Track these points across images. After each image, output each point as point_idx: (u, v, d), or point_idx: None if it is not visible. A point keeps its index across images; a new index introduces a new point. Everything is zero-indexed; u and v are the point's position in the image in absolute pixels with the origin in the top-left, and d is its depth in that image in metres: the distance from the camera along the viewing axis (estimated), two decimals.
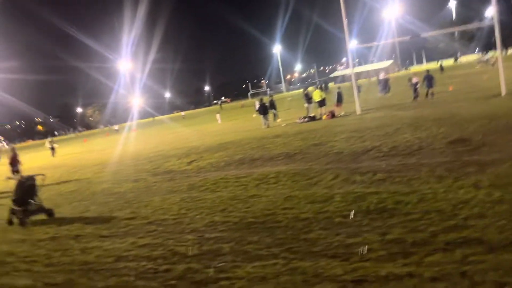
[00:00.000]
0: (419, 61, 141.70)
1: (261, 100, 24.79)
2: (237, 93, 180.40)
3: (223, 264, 5.26)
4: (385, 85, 30.00)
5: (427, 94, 22.84)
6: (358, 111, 21.17)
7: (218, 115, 38.01)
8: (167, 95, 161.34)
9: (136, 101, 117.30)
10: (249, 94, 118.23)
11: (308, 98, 23.05)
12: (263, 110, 23.38)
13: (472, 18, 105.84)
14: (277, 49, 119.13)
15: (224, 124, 33.42)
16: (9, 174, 16.18)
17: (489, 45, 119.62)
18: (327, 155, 11.88)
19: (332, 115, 21.15)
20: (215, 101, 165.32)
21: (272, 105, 25.61)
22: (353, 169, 9.59)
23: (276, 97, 34.73)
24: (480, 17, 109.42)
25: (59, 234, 8.28)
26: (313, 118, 21.68)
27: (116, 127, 64.78)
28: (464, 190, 6.54)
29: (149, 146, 24.89)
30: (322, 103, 21.64)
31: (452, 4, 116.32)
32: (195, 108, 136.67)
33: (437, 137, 11.42)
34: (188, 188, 10.80)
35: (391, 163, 9.53)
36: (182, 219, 7.86)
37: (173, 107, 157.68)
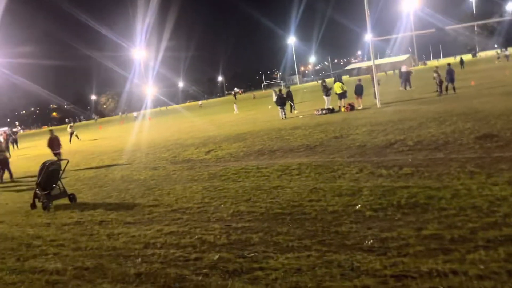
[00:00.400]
0: (436, 56, 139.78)
1: (279, 91, 24.59)
2: (250, 84, 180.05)
3: (254, 254, 5.19)
4: (407, 78, 29.46)
5: (447, 89, 22.37)
6: (378, 104, 20.88)
7: (235, 105, 37.94)
8: (181, 84, 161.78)
9: (150, 90, 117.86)
10: (262, 85, 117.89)
11: (327, 90, 22.79)
12: (281, 101, 23.20)
13: (492, 12, 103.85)
14: (291, 40, 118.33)
15: (241, 115, 33.33)
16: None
17: (509, 41, 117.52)
18: (350, 148, 11.72)
19: (351, 107, 20.88)
20: (227, 92, 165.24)
21: (289, 97, 25.43)
22: (377, 163, 9.43)
23: (293, 87, 34.51)
24: (501, 12, 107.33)
25: (84, 219, 8.31)
26: (331, 111, 21.45)
27: (135, 113, 65.12)
28: (499, 187, 6.36)
29: (166, 135, 24.93)
30: (342, 95, 21.36)
31: None
32: (208, 98, 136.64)
33: (464, 132, 11.17)
34: (209, 177, 10.76)
35: (418, 158, 9.35)
36: (206, 208, 7.82)
37: (186, 97, 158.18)
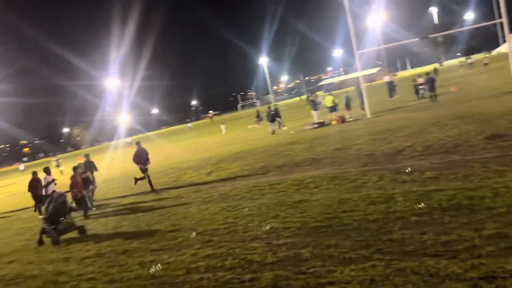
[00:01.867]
0: (404, 68, 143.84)
1: (269, 108, 24.69)
2: (225, 106, 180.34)
3: (314, 269, 4.96)
4: (391, 87, 30.07)
5: (431, 97, 22.74)
6: (368, 115, 21.10)
7: (223, 126, 38.14)
8: (155, 111, 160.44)
9: (124, 118, 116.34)
10: (238, 106, 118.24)
11: (314, 105, 22.94)
12: (272, 118, 23.29)
13: (453, 23, 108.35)
14: (263, 60, 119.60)
15: (227, 136, 33.13)
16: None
17: (471, 49, 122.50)
18: (358, 158, 11.67)
19: (343, 120, 21.03)
20: (203, 115, 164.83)
21: (277, 114, 25.50)
22: (394, 170, 9.38)
23: (266, 107, 34.88)
24: (461, 22, 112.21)
25: (103, 251, 7.88)
26: (322, 124, 21.54)
27: (129, 139, 63.56)
28: None
29: (157, 160, 24.34)
30: (333, 108, 21.53)
31: (433, 10, 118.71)
32: (180, 123, 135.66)
33: (469, 134, 11.31)
34: (222, 198, 10.47)
35: (434, 161, 9.35)
36: (234, 228, 7.54)
37: (160, 123, 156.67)
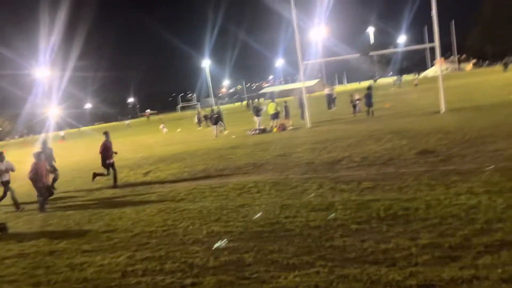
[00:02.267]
0: (341, 81, 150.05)
1: (212, 111, 24.53)
2: (164, 106, 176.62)
3: (257, 274, 4.90)
4: (330, 99, 31.08)
5: (368, 112, 23.23)
6: (308, 124, 21.62)
7: (162, 126, 37.27)
8: (88, 105, 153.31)
9: (54, 111, 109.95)
10: (178, 107, 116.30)
11: (257, 111, 23.12)
12: (215, 120, 23.17)
13: (388, 43, 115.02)
14: (206, 63, 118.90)
15: (167, 136, 32.37)
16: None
17: (402, 69, 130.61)
18: (299, 165, 11.87)
19: (283, 128, 21.37)
20: (140, 113, 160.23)
21: (220, 117, 25.38)
22: (334, 178, 9.63)
23: (207, 110, 34.79)
24: (395, 44, 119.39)
25: (27, 251, 7.28)
26: (263, 130, 21.75)
27: (62, 133, 59.29)
28: (464, 196, 6.82)
29: (90, 157, 23.18)
30: (275, 116, 21.82)
31: (371, 30, 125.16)
32: (122, 120, 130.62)
33: (403, 148, 11.93)
34: (160, 199, 10.14)
35: (371, 172, 9.74)
36: (174, 230, 7.30)
37: (95, 118, 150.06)
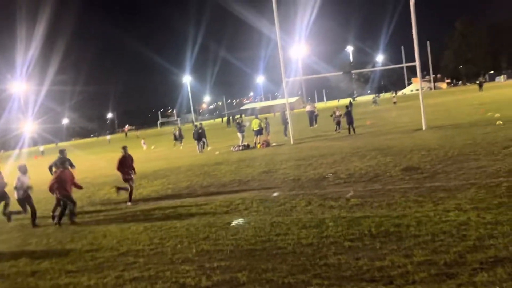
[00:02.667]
0: (320, 99, 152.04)
1: (195, 127, 24.42)
2: (143, 122, 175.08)
3: None
4: (312, 116, 31.34)
5: (349, 130, 22.79)
6: (292, 141, 21.70)
7: (143, 141, 36.66)
8: (66, 120, 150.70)
9: (30, 126, 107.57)
10: (158, 123, 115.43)
11: (240, 127, 23.10)
12: (198, 136, 23.13)
13: (366, 62, 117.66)
14: (187, 79, 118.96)
15: (147, 152, 31.96)
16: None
17: (380, 88, 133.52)
18: (285, 182, 11.84)
19: (267, 144, 21.38)
20: (119, 129, 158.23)
21: (202, 133, 25.25)
22: (321, 195, 9.62)
23: (187, 126, 34.57)
24: (373, 63, 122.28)
25: (7, 272, 6.99)
26: (247, 147, 21.70)
27: (41, 148, 57.36)
28: (453, 213, 6.88)
29: None
30: (259, 132, 21.82)
31: (350, 49, 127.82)
32: (99, 136, 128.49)
33: (388, 165, 12.04)
34: (145, 217, 9.92)
35: (358, 189, 9.76)
36: (161, 249, 7.12)
37: (72, 134, 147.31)
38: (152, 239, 7.86)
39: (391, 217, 7.12)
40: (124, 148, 12.48)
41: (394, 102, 54.83)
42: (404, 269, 4.95)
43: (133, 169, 12.33)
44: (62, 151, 12.87)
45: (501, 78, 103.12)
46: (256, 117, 22.62)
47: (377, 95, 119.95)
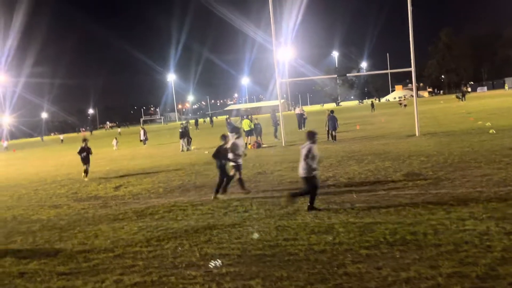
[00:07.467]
0: (304, 103, 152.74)
1: (181, 125, 23.93)
2: (123, 119, 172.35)
3: None
4: (300, 119, 31.09)
5: (333, 137, 20.82)
6: (283, 143, 21.36)
7: (114, 141, 33.36)
8: (44, 115, 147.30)
9: (7, 120, 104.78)
10: (141, 120, 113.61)
11: (232, 127, 22.64)
12: (182, 135, 22.69)
13: (351, 68, 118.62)
14: (171, 77, 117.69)
15: (125, 151, 31.12)
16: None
17: (364, 94, 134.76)
18: (282, 184, 11.49)
19: (258, 145, 20.98)
20: (100, 126, 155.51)
21: (186, 132, 24.79)
22: (324, 199, 9.27)
23: (170, 125, 33.70)
24: (358, 68, 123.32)
25: None
26: None
27: (5, 143, 54.65)
28: (470, 222, 6.61)
29: (48, 169, 21.79)
30: (250, 133, 21.41)
31: (335, 54, 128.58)
32: (79, 131, 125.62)
33: (387, 170, 11.79)
34: (138, 216, 9.38)
35: (360, 194, 9.45)
36: (161, 252, 6.64)
37: (51, 129, 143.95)
38: (149, 240, 7.37)
39: (404, 224, 6.81)
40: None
41: (404, 105, 53.78)
42: (434, 281, 4.61)
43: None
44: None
45: (485, 88, 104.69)
46: (247, 118, 22.18)
47: (360, 100, 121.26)
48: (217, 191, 10.42)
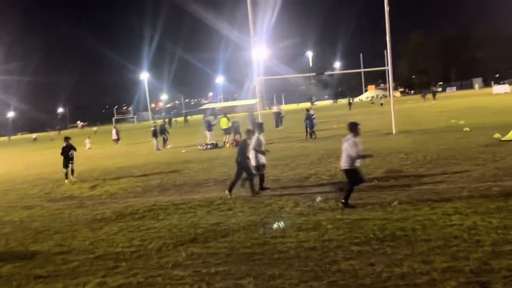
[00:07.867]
0: (279, 102, 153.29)
1: (154, 124, 23.68)
2: (95, 117, 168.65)
3: None
4: (278, 118, 31.04)
5: (310, 135, 21.23)
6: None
7: (87, 140, 32.49)
8: (11, 114, 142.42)
9: None
10: (113, 119, 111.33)
11: (209, 125, 22.38)
12: (155, 134, 22.35)
13: (325, 67, 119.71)
14: (144, 76, 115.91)
15: (98, 150, 30.34)
16: None
17: (338, 94, 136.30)
18: (266, 182, 11.32)
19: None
20: (70, 125, 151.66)
21: (164, 130, 24.41)
22: (307, 196, 9.21)
23: (143, 124, 33.14)
24: (332, 68, 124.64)
25: None
26: (216, 145, 21.02)
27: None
28: (456, 217, 6.65)
29: (18, 169, 20.99)
30: (228, 131, 21.20)
31: (309, 54, 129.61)
32: (50, 130, 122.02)
33: (368, 167, 11.80)
34: (117, 217, 9.06)
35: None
36: (145, 252, 6.40)
37: (17, 128, 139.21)
38: (130, 240, 7.10)
39: (391, 220, 6.79)
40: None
41: (381, 104, 55.13)
42: (429, 276, 4.57)
43: None
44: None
45: (476, 86, 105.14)
46: (225, 116, 21.96)
47: (334, 100, 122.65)
48: (230, 189, 9.90)
